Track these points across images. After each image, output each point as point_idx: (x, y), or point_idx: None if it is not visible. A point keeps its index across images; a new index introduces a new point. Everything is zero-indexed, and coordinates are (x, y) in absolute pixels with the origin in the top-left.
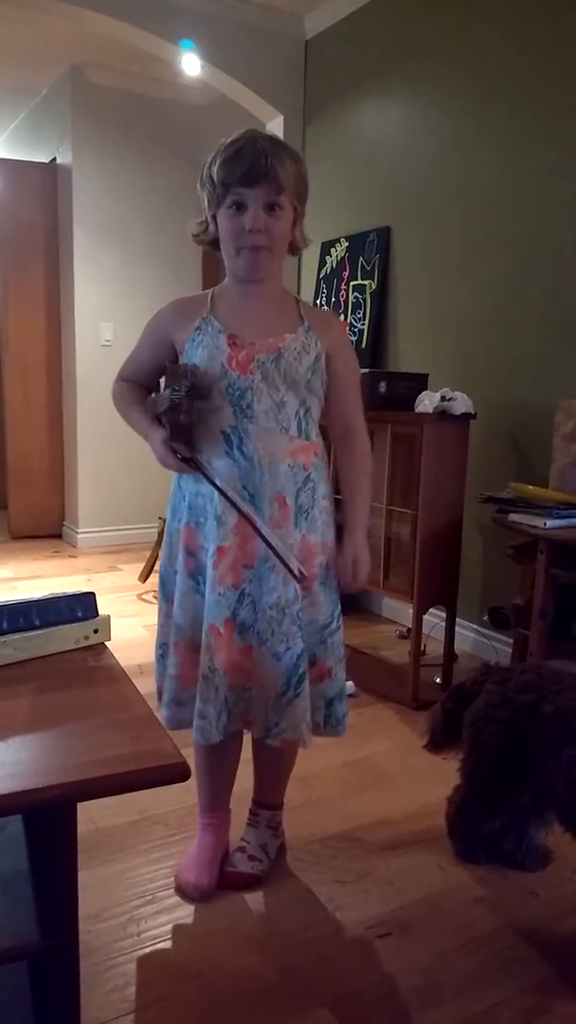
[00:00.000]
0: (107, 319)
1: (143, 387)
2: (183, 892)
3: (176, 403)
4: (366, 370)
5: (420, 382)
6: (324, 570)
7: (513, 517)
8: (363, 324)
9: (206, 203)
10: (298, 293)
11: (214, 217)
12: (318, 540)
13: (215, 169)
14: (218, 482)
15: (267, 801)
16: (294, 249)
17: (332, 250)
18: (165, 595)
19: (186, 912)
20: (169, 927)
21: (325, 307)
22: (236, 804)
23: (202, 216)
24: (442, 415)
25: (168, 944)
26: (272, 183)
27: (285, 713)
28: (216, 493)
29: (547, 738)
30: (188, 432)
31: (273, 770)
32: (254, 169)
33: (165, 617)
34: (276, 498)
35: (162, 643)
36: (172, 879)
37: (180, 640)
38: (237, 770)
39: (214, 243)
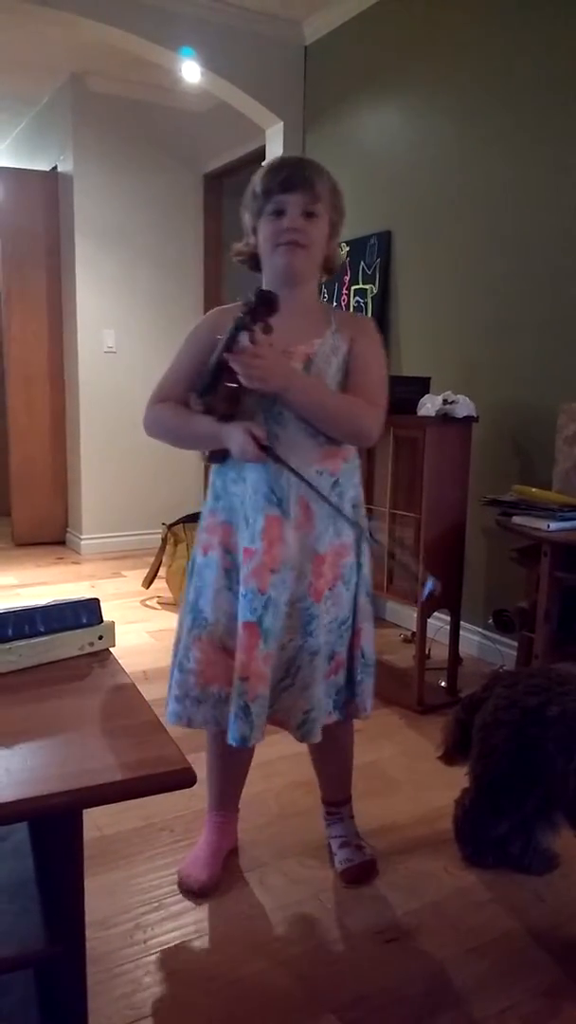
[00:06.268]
0: (109, 326)
1: (185, 403)
2: (184, 885)
3: (241, 324)
4: None
5: (422, 385)
6: (350, 570)
7: (516, 520)
8: None
9: (249, 219)
10: None
11: (254, 230)
12: (347, 540)
13: (257, 182)
14: (292, 464)
15: (339, 798)
16: (330, 267)
17: None
18: (192, 585)
19: (193, 919)
20: (176, 934)
21: None
22: (246, 807)
23: (244, 240)
24: (444, 418)
25: (175, 951)
26: (309, 191)
27: (280, 698)
28: (251, 493)
29: (556, 741)
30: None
31: (332, 765)
32: (293, 176)
33: (189, 607)
34: (299, 501)
35: (180, 633)
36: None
37: (204, 635)
38: (248, 772)
39: (254, 257)
